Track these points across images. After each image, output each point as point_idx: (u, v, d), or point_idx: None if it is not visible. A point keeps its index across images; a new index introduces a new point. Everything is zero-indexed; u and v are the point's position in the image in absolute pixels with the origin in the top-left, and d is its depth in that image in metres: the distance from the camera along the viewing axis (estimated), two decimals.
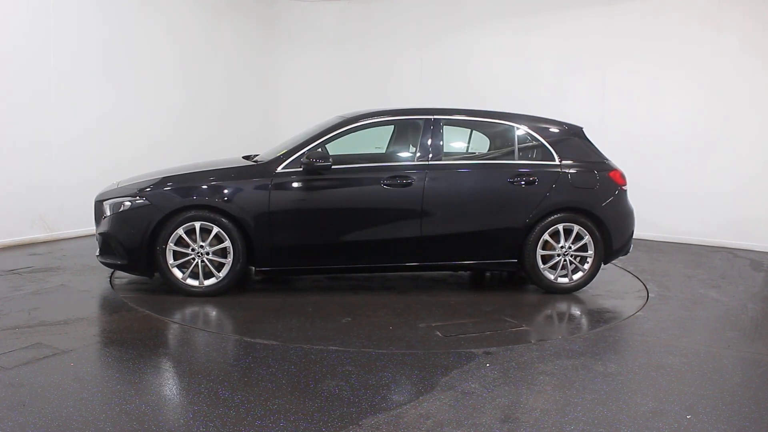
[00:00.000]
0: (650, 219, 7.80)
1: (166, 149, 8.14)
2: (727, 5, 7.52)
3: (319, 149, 5.07)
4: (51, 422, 2.87)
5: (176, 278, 4.93)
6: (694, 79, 7.76)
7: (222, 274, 4.94)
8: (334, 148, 5.37)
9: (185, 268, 4.95)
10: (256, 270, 5.09)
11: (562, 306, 5.13)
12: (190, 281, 4.95)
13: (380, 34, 9.76)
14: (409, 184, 5.07)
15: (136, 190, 5.01)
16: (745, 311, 5.03)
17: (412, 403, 3.18)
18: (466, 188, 5.23)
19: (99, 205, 5.15)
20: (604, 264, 5.51)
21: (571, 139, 5.51)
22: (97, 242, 5.15)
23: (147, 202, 4.90)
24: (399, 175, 5.10)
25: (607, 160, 5.52)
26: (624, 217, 5.44)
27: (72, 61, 7.11)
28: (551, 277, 5.31)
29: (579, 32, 8.38)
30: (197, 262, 4.92)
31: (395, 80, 9.60)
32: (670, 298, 5.38)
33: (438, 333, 4.29)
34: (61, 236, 7.09)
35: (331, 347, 3.95)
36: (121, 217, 4.95)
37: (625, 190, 5.47)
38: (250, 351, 3.87)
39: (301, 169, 4.99)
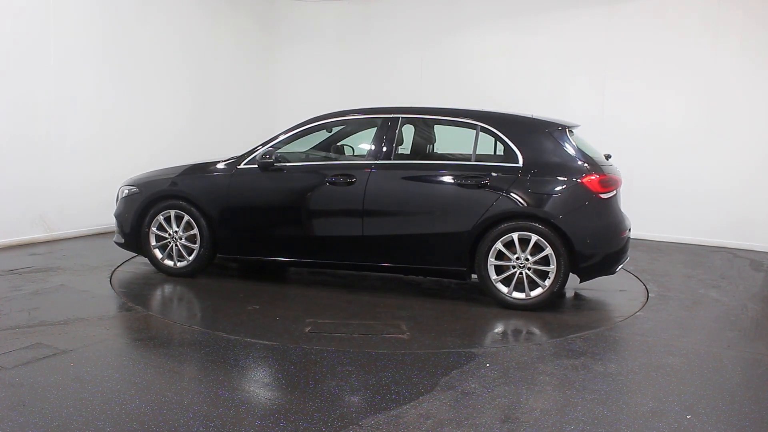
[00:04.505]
0: (650, 218, 7.79)
1: (166, 148, 8.13)
2: (727, 6, 7.52)
3: (273, 148, 5.33)
4: (51, 422, 2.87)
5: (156, 258, 5.59)
6: (694, 78, 7.76)
7: (191, 258, 5.50)
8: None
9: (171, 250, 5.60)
10: (219, 256, 5.54)
11: (509, 322, 4.68)
12: (167, 261, 5.58)
13: (380, 34, 9.76)
14: (352, 183, 5.07)
15: (134, 179, 5.79)
16: (745, 311, 5.03)
17: (412, 403, 3.18)
18: (408, 188, 5.03)
19: (119, 191, 5.88)
20: (581, 282, 4.99)
21: (546, 139, 4.95)
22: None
23: (137, 190, 5.64)
24: (343, 174, 5.12)
25: (591, 163, 4.87)
26: (597, 229, 4.80)
27: (72, 60, 7.10)
28: (504, 290, 4.83)
29: (579, 32, 8.37)
30: (172, 246, 5.54)
31: (395, 80, 9.60)
32: (670, 298, 5.38)
33: (308, 329, 4.31)
34: (61, 236, 7.09)
35: (219, 334, 4.10)
36: (122, 202, 5.73)
37: (605, 199, 4.82)
38: (250, 351, 3.87)
39: (256, 166, 5.32)
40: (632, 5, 8.05)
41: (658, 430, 2.96)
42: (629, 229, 5.09)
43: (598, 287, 5.52)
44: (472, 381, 3.48)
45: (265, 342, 4.02)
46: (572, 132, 5.19)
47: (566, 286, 5.35)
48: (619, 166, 5.44)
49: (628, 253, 5.13)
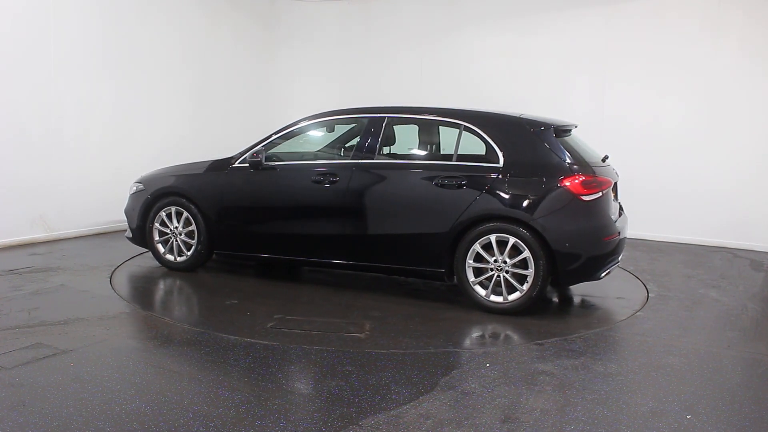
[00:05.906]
0: (650, 219, 7.79)
1: (166, 147, 8.13)
2: (727, 6, 7.52)
3: (265, 147, 5.43)
4: (51, 422, 2.87)
5: (159, 252, 5.80)
6: (694, 78, 7.75)
7: (189, 253, 5.68)
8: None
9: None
10: (216, 253, 5.70)
11: (486, 326, 4.55)
12: (168, 256, 5.79)
13: (380, 34, 9.76)
14: (335, 183, 5.12)
15: (142, 176, 6.00)
16: (745, 311, 5.03)
17: (412, 403, 3.18)
18: (387, 188, 5.03)
19: (130, 188, 6.07)
20: (563, 287, 4.82)
21: (530, 139, 4.80)
22: None
23: (143, 187, 5.84)
24: (327, 173, 5.18)
25: (578, 164, 4.71)
26: (578, 233, 4.60)
27: (72, 60, 7.10)
28: (482, 293, 4.73)
29: (579, 32, 8.37)
30: (172, 241, 5.73)
31: (395, 80, 9.60)
32: (670, 298, 5.38)
33: (270, 325, 4.35)
34: (61, 236, 7.09)
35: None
36: (131, 199, 5.96)
37: (588, 201, 4.61)
38: (250, 351, 3.87)
39: (248, 165, 5.44)
40: (632, 5, 8.05)
41: (658, 430, 2.96)
42: (619, 233, 4.86)
43: (597, 288, 5.51)
44: (472, 381, 3.48)
45: (223, 335, 4.11)
46: (567, 132, 5.05)
47: (569, 288, 5.41)
48: (618, 166, 5.40)
49: (620, 257, 4.98)
